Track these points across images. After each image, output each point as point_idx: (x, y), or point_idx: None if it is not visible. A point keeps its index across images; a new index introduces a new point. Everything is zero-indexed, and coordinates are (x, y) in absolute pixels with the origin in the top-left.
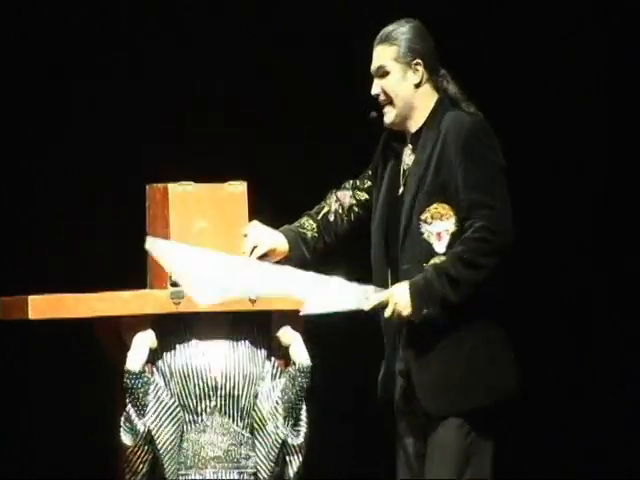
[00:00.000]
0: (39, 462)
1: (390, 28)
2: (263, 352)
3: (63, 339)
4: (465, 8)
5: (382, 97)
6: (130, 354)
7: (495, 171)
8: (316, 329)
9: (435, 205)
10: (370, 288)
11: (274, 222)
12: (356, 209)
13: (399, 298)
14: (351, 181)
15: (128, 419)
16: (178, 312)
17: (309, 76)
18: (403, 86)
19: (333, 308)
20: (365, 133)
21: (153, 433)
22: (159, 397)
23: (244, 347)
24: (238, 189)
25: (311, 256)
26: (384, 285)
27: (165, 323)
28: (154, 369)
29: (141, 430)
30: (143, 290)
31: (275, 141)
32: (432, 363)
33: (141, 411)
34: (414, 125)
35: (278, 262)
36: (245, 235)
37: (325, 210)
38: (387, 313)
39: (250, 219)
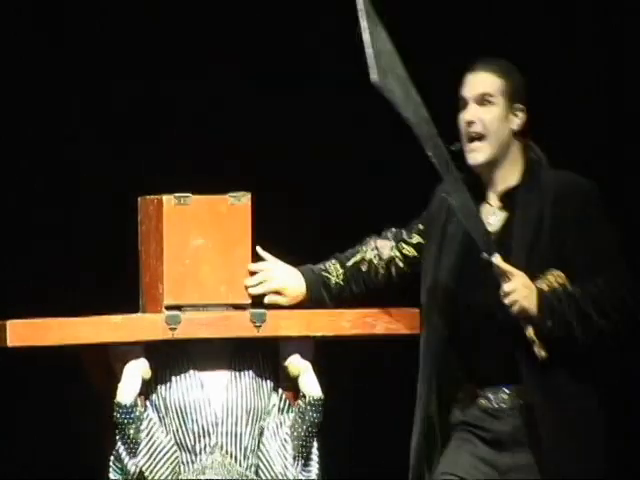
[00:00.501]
0: None
1: (499, 61)
2: (269, 383)
3: (45, 369)
4: None
5: (477, 128)
6: (121, 385)
7: (616, 241)
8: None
9: (553, 272)
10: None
11: (280, 240)
12: (400, 264)
13: (526, 284)
14: (394, 230)
15: (118, 458)
16: (174, 339)
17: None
18: (503, 126)
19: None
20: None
21: (146, 475)
22: (152, 434)
23: (248, 378)
24: (241, 202)
25: (333, 303)
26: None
27: (160, 351)
28: (147, 403)
29: (132, 471)
30: (135, 314)
31: (281, 151)
32: (569, 416)
33: (132, 449)
34: (501, 180)
35: (293, 306)
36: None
37: (358, 258)
38: (509, 287)
39: (254, 236)
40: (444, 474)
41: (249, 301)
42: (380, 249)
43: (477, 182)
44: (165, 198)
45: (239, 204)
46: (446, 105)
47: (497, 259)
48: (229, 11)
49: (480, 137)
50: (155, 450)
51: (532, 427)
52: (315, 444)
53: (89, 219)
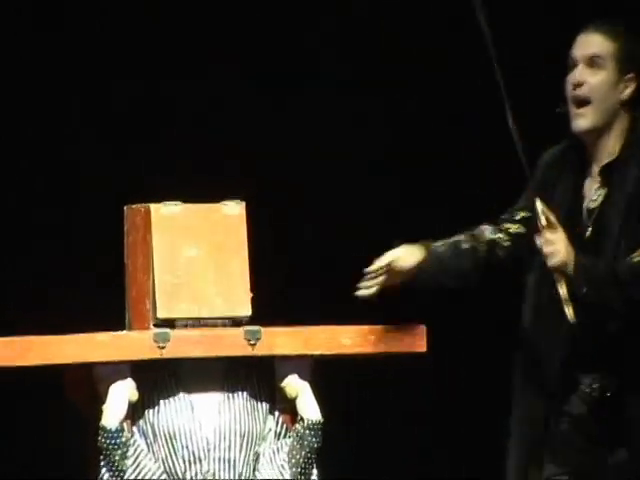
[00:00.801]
0: None
1: (614, 23)
2: (265, 406)
3: (26, 390)
4: None
5: (583, 91)
6: (106, 408)
7: None
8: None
9: None
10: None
11: (275, 248)
12: (504, 244)
13: (568, 242)
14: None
15: None
16: (163, 358)
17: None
18: (612, 92)
19: None
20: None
21: None
22: (139, 462)
23: (242, 400)
24: (235, 210)
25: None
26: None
27: (147, 371)
28: (134, 428)
29: None
30: (121, 332)
31: (275, 158)
32: None
33: (118, 477)
34: (604, 151)
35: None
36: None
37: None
38: (552, 236)
39: (250, 246)
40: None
41: (249, 313)
42: (480, 232)
43: (582, 152)
44: (153, 207)
45: (233, 213)
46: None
47: (539, 203)
48: (229, 11)
49: (586, 102)
50: (142, 478)
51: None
52: (314, 471)
53: (73, 229)
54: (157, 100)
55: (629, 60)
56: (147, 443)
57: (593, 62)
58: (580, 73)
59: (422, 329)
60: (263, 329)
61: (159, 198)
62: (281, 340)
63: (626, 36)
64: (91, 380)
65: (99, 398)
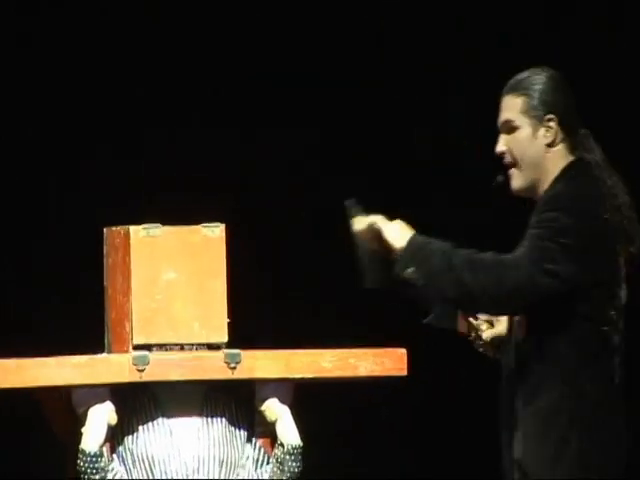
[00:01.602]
0: None
1: (521, 76)
2: (243, 433)
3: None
4: None
5: (507, 158)
6: (85, 431)
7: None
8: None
9: None
10: None
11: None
12: None
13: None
14: None
15: None
16: (142, 381)
17: None
18: (532, 145)
19: None
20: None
21: None
22: None
23: (220, 426)
24: (215, 233)
25: None
26: None
27: (127, 396)
28: (114, 455)
29: None
30: (100, 355)
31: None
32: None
33: None
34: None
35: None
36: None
37: None
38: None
39: (229, 268)
40: None
41: (225, 339)
42: None
43: None
44: (132, 229)
45: (213, 235)
46: None
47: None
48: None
49: (514, 164)
50: None
51: None
52: None
53: (51, 251)
54: (140, 121)
55: (541, 105)
56: (126, 469)
57: (507, 127)
58: (499, 144)
59: (403, 353)
60: (243, 352)
61: (139, 220)
62: (261, 363)
63: (531, 83)
64: (69, 403)
65: (77, 422)
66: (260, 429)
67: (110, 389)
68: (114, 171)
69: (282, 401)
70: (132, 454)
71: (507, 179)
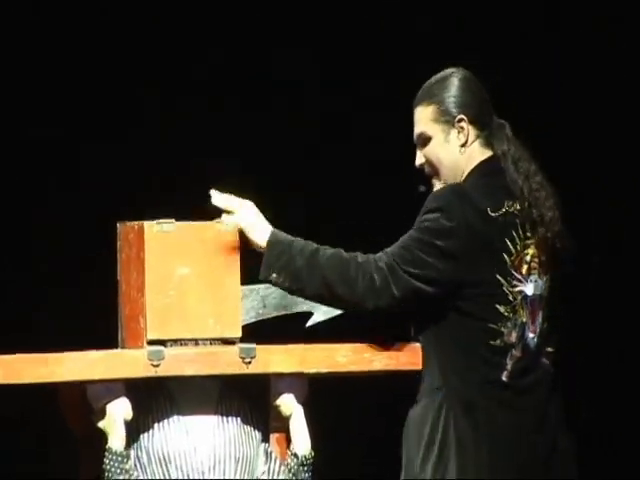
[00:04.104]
0: None
1: (428, 84)
2: (258, 433)
3: (16, 409)
4: None
5: (427, 170)
6: (110, 430)
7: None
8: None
9: None
10: None
11: None
12: None
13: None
14: None
15: None
16: (157, 376)
17: None
18: (446, 150)
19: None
20: None
21: None
22: None
23: (235, 424)
24: (229, 228)
25: None
26: None
27: (141, 394)
28: (130, 452)
29: None
30: (115, 350)
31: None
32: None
33: None
34: None
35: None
36: None
37: None
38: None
39: (243, 264)
40: None
41: (239, 334)
42: None
43: None
44: (146, 224)
45: (227, 231)
46: None
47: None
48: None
49: (435, 173)
50: None
51: None
52: None
53: (65, 246)
54: (156, 117)
55: (451, 108)
56: (141, 468)
57: (422, 140)
58: (417, 158)
59: (418, 347)
60: (258, 346)
61: (153, 215)
62: (276, 358)
63: (439, 89)
64: (85, 398)
65: (93, 418)
66: (275, 424)
67: (125, 386)
68: (126, 166)
69: (297, 396)
70: (147, 452)
71: (430, 189)
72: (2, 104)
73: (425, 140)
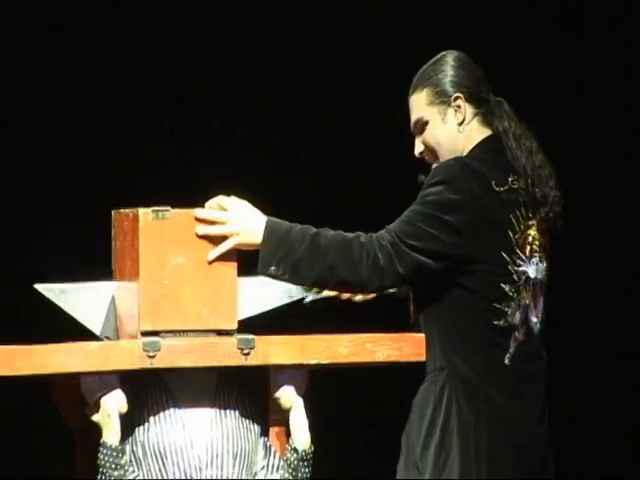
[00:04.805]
0: None
1: (421, 70)
2: (256, 426)
3: (10, 402)
4: None
5: (428, 157)
6: (104, 423)
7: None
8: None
9: None
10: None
11: None
12: None
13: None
14: None
15: None
16: (153, 368)
17: None
18: (444, 130)
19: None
20: None
21: None
22: None
23: (233, 418)
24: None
25: None
26: None
27: (137, 387)
28: (126, 446)
29: None
30: (110, 341)
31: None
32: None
33: None
34: None
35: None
36: None
37: None
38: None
39: (239, 252)
40: None
41: (235, 326)
42: None
43: None
44: (141, 212)
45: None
46: None
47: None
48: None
49: (435, 159)
50: None
51: None
52: None
53: (59, 234)
54: (151, 103)
55: (446, 88)
56: (137, 462)
57: (419, 127)
58: (416, 147)
59: (421, 338)
60: (257, 337)
61: (148, 203)
62: (275, 349)
63: (432, 72)
64: (79, 390)
65: (87, 410)
66: (274, 417)
67: (120, 378)
68: (121, 152)
69: (297, 387)
70: (143, 446)
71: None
72: None
73: (422, 126)
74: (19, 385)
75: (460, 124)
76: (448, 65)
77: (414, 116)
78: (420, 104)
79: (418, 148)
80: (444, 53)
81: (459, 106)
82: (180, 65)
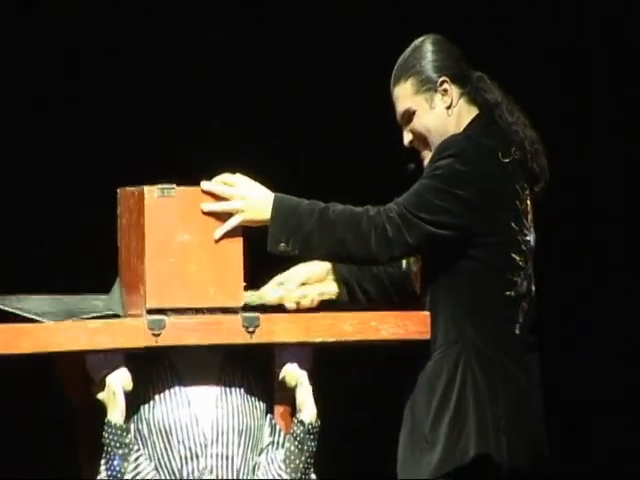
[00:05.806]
0: None
1: (400, 60)
2: (262, 404)
3: (15, 382)
4: None
5: (416, 145)
6: (109, 402)
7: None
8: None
9: None
10: None
11: None
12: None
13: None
14: None
15: None
16: (158, 345)
17: None
18: (433, 116)
19: None
20: None
21: None
22: (140, 470)
23: (239, 396)
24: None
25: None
26: None
27: (142, 365)
28: (130, 425)
29: None
30: (115, 319)
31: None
32: None
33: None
34: None
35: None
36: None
37: None
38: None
39: (245, 230)
40: None
41: (241, 304)
42: None
43: None
44: (147, 189)
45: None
46: None
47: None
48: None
49: (425, 145)
50: None
51: None
52: (313, 476)
53: (66, 213)
54: (158, 81)
55: (430, 74)
56: (141, 439)
57: (406, 117)
58: (404, 137)
59: (426, 315)
60: (262, 316)
61: (154, 180)
62: (280, 327)
63: (414, 60)
64: (84, 370)
65: (92, 388)
66: (279, 395)
67: (125, 356)
68: (121, 152)
69: (302, 366)
70: (148, 424)
71: (420, 165)
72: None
73: (410, 115)
74: (23, 368)
75: (448, 107)
76: (428, 51)
77: (400, 107)
78: (406, 94)
79: (407, 138)
80: (420, 39)
81: (446, 90)
82: (180, 65)
